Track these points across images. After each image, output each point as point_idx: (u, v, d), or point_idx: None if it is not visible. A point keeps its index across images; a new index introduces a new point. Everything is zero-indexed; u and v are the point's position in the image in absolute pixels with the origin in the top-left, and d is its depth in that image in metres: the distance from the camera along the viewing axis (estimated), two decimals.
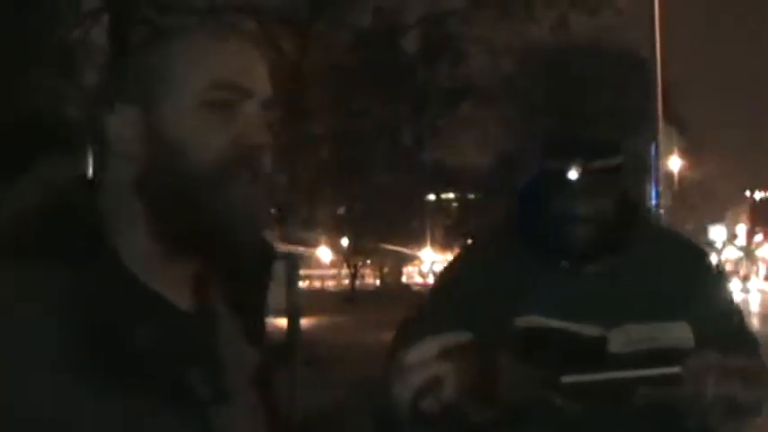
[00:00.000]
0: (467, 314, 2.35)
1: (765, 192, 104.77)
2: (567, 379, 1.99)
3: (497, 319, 2.24)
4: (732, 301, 2.40)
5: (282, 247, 13.38)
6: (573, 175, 2.18)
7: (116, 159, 1.19)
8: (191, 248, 1.20)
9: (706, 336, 2.20)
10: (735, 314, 2.37)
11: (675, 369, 2.01)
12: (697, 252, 2.46)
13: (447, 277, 2.53)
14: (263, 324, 1.34)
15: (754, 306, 39.93)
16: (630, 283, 2.26)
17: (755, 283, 62.23)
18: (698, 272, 2.36)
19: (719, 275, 2.40)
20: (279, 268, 14.39)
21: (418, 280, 64.05)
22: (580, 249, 2.27)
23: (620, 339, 2.03)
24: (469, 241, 2.74)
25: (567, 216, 2.24)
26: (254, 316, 1.30)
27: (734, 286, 58.32)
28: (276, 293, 14.15)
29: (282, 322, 14.45)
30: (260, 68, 1.26)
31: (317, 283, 65.36)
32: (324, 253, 51.70)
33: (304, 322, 18.16)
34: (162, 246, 1.18)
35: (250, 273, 1.25)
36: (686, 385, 2.05)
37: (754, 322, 28.59)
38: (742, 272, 68.23)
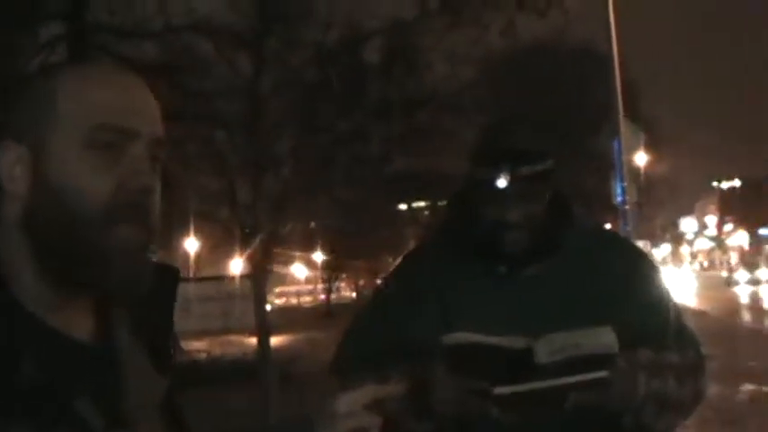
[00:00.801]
0: (404, 327, 2.36)
1: (732, 181, 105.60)
2: (499, 390, 2.02)
3: (434, 330, 2.25)
4: (667, 296, 2.42)
5: (251, 267, 13.35)
6: (501, 183, 2.20)
7: (6, 198, 1.18)
8: (80, 287, 1.19)
9: (641, 331, 2.22)
10: (670, 309, 2.39)
11: (602, 374, 2.04)
12: (630, 250, 2.48)
13: (384, 290, 2.54)
14: (170, 349, 1.32)
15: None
16: (566, 284, 2.28)
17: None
18: (631, 269, 2.38)
19: (653, 272, 2.42)
20: (247, 287, 14.39)
21: None
22: (513, 254, 2.28)
23: (546, 349, 2.04)
24: (407, 252, 2.75)
25: (498, 223, 2.25)
26: (160, 341, 1.28)
27: (741, 276, 59.32)
28: (249, 312, 14.11)
29: (252, 341, 14.44)
30: (148, 107, 1.24)
31: (294, 300, 65.25)
32: (298, 269, 51.59)
33: (282, 339, 18.14)
34: (53, 284, 1.16)
35: (152, 300, 1.24)
36: (616, 386, 2.07)
37: None
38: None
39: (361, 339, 2.48)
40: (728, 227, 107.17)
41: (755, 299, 44.52)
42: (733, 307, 36.99)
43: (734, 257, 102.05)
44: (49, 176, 1.17)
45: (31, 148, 1.18)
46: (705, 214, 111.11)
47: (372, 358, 2.34)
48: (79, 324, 1.18)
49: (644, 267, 2.44)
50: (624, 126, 16.19)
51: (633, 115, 18.75)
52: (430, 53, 13.38)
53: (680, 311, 2.43)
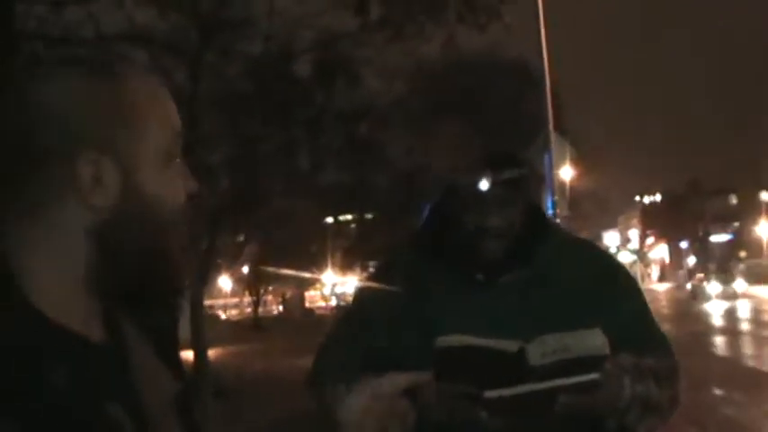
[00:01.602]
0: (384, 338, 2.35)
1: (654, 196, 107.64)
2: (489, 394, 2.02)
3: (415, 339, 2.26)
4: (642, 302, 2.47)
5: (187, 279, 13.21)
6: (483, 185, 2.22)
7: (73, 206, 1.15)
8: (123, 294, 1.19)
9: (619, 338, 2.26)
10: (645, 315, 2.44)
11: (594, 376, 2.06)
12: (605, 258, 2.53)
13: (360, 300, 2.53)
14: (177, 349, 1.34)
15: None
16: (544, 291, 2.31)
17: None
18: (608, 277, 2.42)
19: (628, 282, 2.46)
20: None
21: (321, 303, 63.99)
22: (492, 261, 2.30)
23: (538, 351, 2.05)
24: (378, 262, 2.74)
25: (478, 229, 2.27)
26: (169, 343, 1.29)
27: (712, 288, 52.74)
28: (181, 326, 13.95)
29: (188, 354, 14.27)
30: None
31: (220, 313, 64.71)
32: (224, 282, 51.23)
33: (211, 353, 18.00)
34: (94, 293, 1.16)
35: (163, 301, 1.26)
36: (605, 389, 2.10)
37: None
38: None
39: (337, 352, 2.46)
40: (650, 240, 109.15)
41: (740, 319, 34.43)
42: (714, 334, 27.80)
43: (655, 270, 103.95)
44: (141, 188, 1.16)
45: (118, 158, 1.15)
46: (628, 228, 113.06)
47: (350, 370, 2.31)
48: (92, 327, 1.17)
49: (619, 277, 2.47)
50: (553, 140, 16.41)
51: (560, 129, 19.03)
52: (364, 67, 13.44)
53: (653, 318, 2.48)
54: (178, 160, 1.22)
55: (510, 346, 2.07)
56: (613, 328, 2.25)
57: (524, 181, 2.29)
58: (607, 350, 2.09)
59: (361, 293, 2.59)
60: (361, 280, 2.70)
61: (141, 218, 1.16)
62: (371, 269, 2.64)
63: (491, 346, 2.07)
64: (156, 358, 1.25)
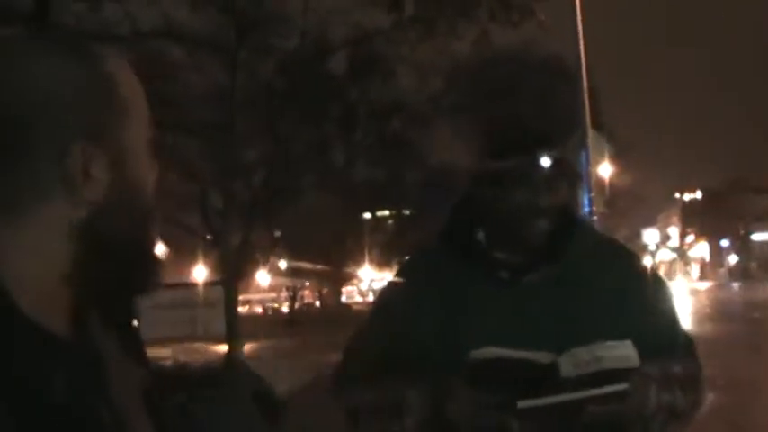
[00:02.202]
0: (408, 337, 2.36)
1: (694, 193, 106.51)
2: (522, 404, 2.04)
3: (439, 338, 2.27)
4: (671, 305, 2.44)
5: (222, 273, 13.30)
6: (546, 162, 2.16)
7: (60, 200, 1.06)
8: (101, 288, 1.13)
9: (647, 343, 2.25)
10: (674, 320, 2.41)
11: (622, 386, 2.07)
12: (635, 260, 2.48)
13: (385, 300, 2.53)
14: (138, 337, 1.26)
15: None
16: (569, 292, 2.28)
17: None
18: (637, 280, 2.38)
19: (658, 283, 2.43)
20: (212, 294, 14.31)
21: (358, 299, 63.99)
22: (524, 262, 2.27)
23: (569, 363, 2.05)
24: (403, 261, 2.73)
25: (529, 209, 2.21)
26: (133, 337, 1.24)
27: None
28: (214, 319, 14.03)
29: (221, 348, 14.34)
30: None
31: (257, 308, 64.91)
32: (262, 277, 51.40)
33: (246, 347, 18.06)
34: (68, 285, 1.10)
35: (135, 296, 1.22)
36: (633, 398, 2.11)
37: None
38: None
39: (364, 351, 2.47)
40: (690, 238, 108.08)
41: None
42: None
43: (695, 269, 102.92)
44: (128, 178, 1.10)
45: (105, 147, 1.08)
46: (668, 226, 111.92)
47: (377, 370, 2.34)
48: (60, 323, 1.09)
49: (648, 280, 2.43)
50: (591, 137, 16.29)
51: (597, 126, 18.89)
52: (398, 64, 13.44)
53: (680, 322, 2.45)
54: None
55: (542, 357, 2.08)
56: (641, 333, 2.24)
57: (564, 163, 2.24)
58: (637, 362, 2.09)
59: (385, 292, 2.59)
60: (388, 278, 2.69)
61: (129, 210, 1.10)
62: (397, 268, 2.64)
63: (524, 357, 2.08)
64: (122, 352, 1.19)
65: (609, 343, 2.10)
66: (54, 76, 1.07)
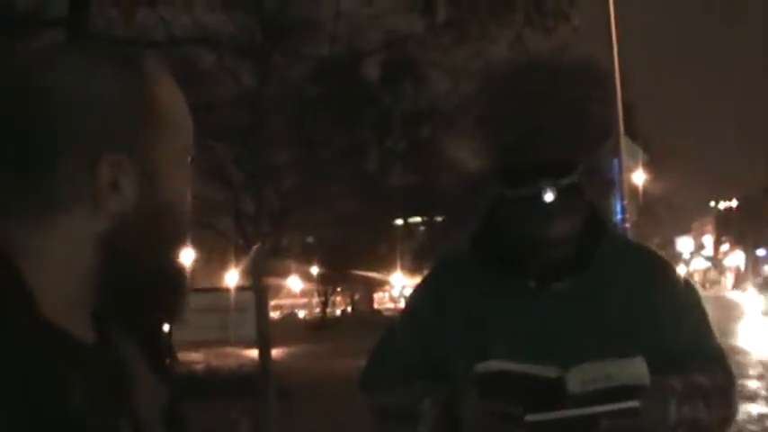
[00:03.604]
0: (434, 342, 2.35)
1: (729, 201, 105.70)
2: (530, 418, 2.02)
3: (465, 345, 2.25)
4: (700, 313, 2.38)
5: (252, 278, 13.35)
6: (548, 197, 2.15)
7: (86, 210, 1.06)
8: (128, 300, 1.12)
9: (673, 353, 2.21)
10: (702, 329, 2.35)
11: (634, 403, 2.04)
12: (664, 267, 2.43)
13: (413, 304, 2.52)
14: (171, 356, 1.24)
15: None
16: (597, 301, 2.25)
17: None
18: (665, 287, 2.33)
19: (687, 290, 2.38)
20: (243, 299, 14.42)
21: (389, 305, 64.10)
22: (551, 270, 2.25)
23: (577, 379, 2.03)
24: (432, 266, 2.72)
25: (541, 239, 2.21)
26: (156, 349, 1.23)
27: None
28: (245, 324, 14.10)
29: (252, 353, 14.41)
30: None
31: (289, 313, 65.16)
32: (294, 282, 51.56)
33: (277, 352, 18.14)
34: (93, 295, 1.09)
35: (162, 310, 1.20)
36: (647, 415, 2.07)
37: None
38: None
39: (389, 354, 2.48)
40: (725, 247, 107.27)
41: None
42: None
43: (730, 278, 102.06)
44: (159, 192, 1.09)
45: (140, 161, 1.07)
46: (702, 234, 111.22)
47: (401, 374, 2.34)
48: (86, 332, 1.10)
49: (677, 287, 2.39)
50: (624, 144, 16.21)
51: (631, 133, 18.79)
52: (431, 69, 13.43)
53: (710, 332, 2.39)
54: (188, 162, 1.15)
55: (549, 372, 2.06)
56: (667, 343, 2.20)
57: (583, 186, 2.23)
58: (647, 380, 2.06)
59: (413, 297, 2.59)
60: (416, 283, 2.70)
61: (155, 225, 1.09)
62: (426, 273, 2.63)
63: (531, 371, 2.06)
64: (146, 365, 1.19)
65: (620, 360, 2.07)
66: (87, 87, 1.06)
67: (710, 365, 2.30)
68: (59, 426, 0.99)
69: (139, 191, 1.07)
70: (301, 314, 64.81)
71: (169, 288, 1.12)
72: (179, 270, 1.12)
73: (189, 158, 1.14)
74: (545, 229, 2.19)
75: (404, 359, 2.38)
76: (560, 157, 2.22)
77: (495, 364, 2.08)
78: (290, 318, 60.72)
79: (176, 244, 1.12)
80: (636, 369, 2.07)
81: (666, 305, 2.30)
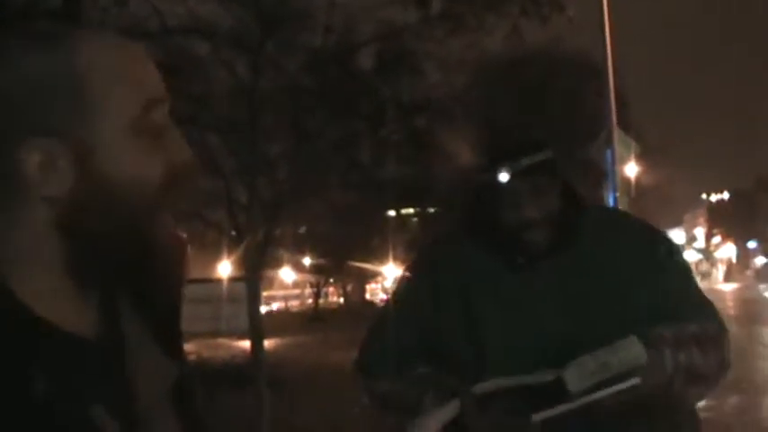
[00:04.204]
0: (427, 323, 2.39)
1: (721, 194, 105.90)
2: (536, 417, 2.03)
3: (457, 325, 2.29)
4: (684, 269, 2.44)
5: (245, 269, 13.33)
6: (503, 177, 2.22)
7: (28, 200, 1.05)
8: (112, 283, 1.11)
9: (662, 307, 2.25)
10: (688, 281, 2.41)
11: (634, 381, 2.05)
12: (644, 229, 2.49)
13: (404, 288, 2.56)
14: (178, 328, 1.24)
15: None
16: (585, 273, 2.31)
17: None
18: (647, 247, 2.39)
19: (669, 247, 2.43)
20: (236, 290, 14.40)
21: (382, 296, 64.20)
22: (535, 248, 2.31)
23: (576, 376, 2.04)
24: (421, 250, 2.78)
25: (518, 224, 2.28)
26: (168, 328, 1.22)
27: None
28: (238, 315, 14.09)
29: (245, 344, 14.41)
30: (155, 69, 1.12)
31: (281, 304, 65.18)
32: (286, 273, 51.57)
33: (269, 343, 18.14)
34: (77, 284, 1.08)
35: (160, 286, 1.18)
36: (648, 382, 2.09)
37: None
38: None
39: (385, 338, 2.51)
40: (716, 239, 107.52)
41: None
42: None
43: (721, 270, 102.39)
44: (102, 170, 1.05)
45: (68, 141, 1.03)
46: (694, 226, 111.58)
47: (399, 357, 2.37)
48: (81, 317, 1.09)
49: (658, 246, 2.45)
50: (616, 136, 16.21)
51: (624, 125, 18.80)
52: (425, 60, 13.41)
53: (696, 284, 2.45)
54: (164, 130, 1.10)
55: (546, 377, 2.07)
56: (656, 298, 2.24)
57: (551, 164, 2.29)
58: (644, 359, 2.08)
59: (405, 281, 2.62)
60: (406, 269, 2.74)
61: (108, 201, 1.05)
62: (414, 257, 2.68)
63: (527, 383, 2.07)
64: (155, 345, 1.16)
65: (614, 345, 2.08)
66: (11, 74, 1.03)
67: (700, 316, 2.35)
68: (20, 411, 0.97)
69: (78, 171, 1.04)
70: (294, 303, 64.81)
71: (155, 264, 1.09)
72: (160, 241, 1.09)
73: (150, 127, 1.09)
74: (515, 211, 2.27)
75: (400, 342, 2.41)
76: (521, 138, 2.28)
77: (492, 384, 2.10)
78: (283, 310, 60.69)
79: (142, 218, 1.07)
80: (631, 351, 2.08)
81: (650, 264, 2.35)
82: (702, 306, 2.41)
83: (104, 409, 1.04)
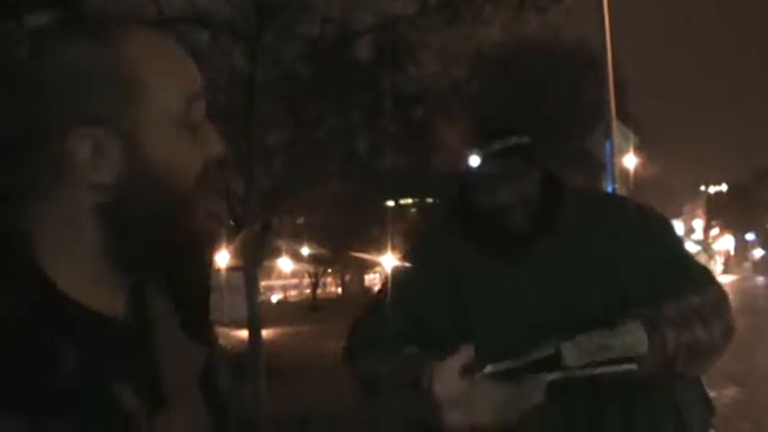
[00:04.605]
0: (417, 310, 2.41)
1: (719, 186, 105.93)
2: (550, 377, 2.04)
3: (448, 313, 2.31)
4: (674, 239, 2.43)
5: (243, 259, 13.34)
6: (474, 161, 2.25)
7: (73, 186, 1.08)
8: (147, 269, 1.15)
9: (658, 281, 2.24)
10: (680, 252, 2.40)
11: (631, 366, 2.06)
12: (627, 205, 2.48)
13: (394, 277, 2.58)
14: (207, 315, 1.27)
15: None
16: (571, 256, 2.31)
17: None
18: (633, 224, 2.38)
19: (656, 219, 2.43)
20: (234, 280, 14.42)
21: (380, 286, 64.19)
22: (517, 233, 2.33)
23: (574, 353, 2.05)
24: (412, 240, 2.82)
25: (494, 206, 2.30)
26: (198, 313, 1.25)
27: None
28: (237, 305, 14.11)
29: (244, 333, 14.41)
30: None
31: (280, 294, 65.24)
32: (285, 263, 51.58)
33: (267, 333, 18.17)
34: (110, 266, 1.11)
35: (191, 271, 1.22)
36: (646, 368, 2.09)
37: None
38: None
39: (376, 324, 2.52)
40: (715, 231, 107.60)
41: None
42: None
43: (719, 262, 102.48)
44: (148, 159, 1.08)
45: (116, 130, 1.07)
46: (692, 218, 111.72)
47: (384, 340, 2.39)
48: (112, 300, 1.13)
49: (644, 220, 2.44)
50: (615, 128, 16.19)
51: (623, 117, 18.78)
52: (423, 51, 13.40)
53: (688, 252, 2.45)
54: (201, 124, 1.14)
55: (546, 351, 2.08)
56: (650, 274, 2.24)
57: (525, 149, 2.30)
58: (645, 347, 2.08)
59: (395, 271, 2.65)
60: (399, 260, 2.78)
61: (152, 190, 1.09)
62: (411, 242, 2.72)
63: (528, 359, 2.08)
64: (183, 331, 1.20)
65: (616, 330, 2.08)
66: (62, 65, 1.07)
67: (699, 285, 2.33)
68: (49, 385, 1.00)
69: (124, 158, 1.07)
70: (293, 293, 64.90)
71: (188, 251, 1.14)
72: (195, 231, 1.13)
73: (191, 120, 1.13)
74: (489, 196, 2.30)
75: (388, 328, 2.43)
76: (495, 124, 2.33)
77: (500, 365, 2.09)
78: (282, 300, 60.75)
79: (181, 206, 1.11)
80: (633, 336, 2.08)
81: (639, 240, 2.34)
82: (700, 274, 2.39)
83: (129, 388, 1.08)
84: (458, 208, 2.49)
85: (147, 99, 1.09)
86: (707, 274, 2.39)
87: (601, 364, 2.05)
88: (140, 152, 1.08)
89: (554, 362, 2.06)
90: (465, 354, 2.00)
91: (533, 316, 2.22)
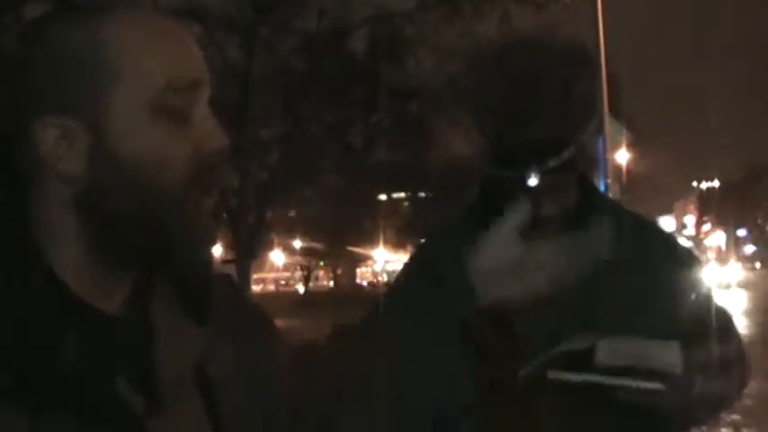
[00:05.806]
0: (430, 312, 2.35)
1: (711, 182, 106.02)
2: (552, 375, 2.00)
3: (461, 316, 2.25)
4: (707, 284, 2.37)
5: (235, 252, 13.33)
6: (532, 181, 2.10)
7: (48, 177, 1.04)
8: (138, 262, 1.11)
9: (686, 325, 2.20)
10: (710, 298, 2.34)
11: (658, 386, 2.00)
12: (665, 244, 2.39)
13: (405, 275, 2.51)
14: (208, 294, 1.21)
15: None
16: (601, 270, 2.23)
17: None
18: (670, 258, 2.30)
19: (692, 259, 2.36)
20: (230, 273, 14.42)
21: (371, 280, 64.19)
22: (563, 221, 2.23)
23: (607, 351, 2.00)
24: (423, 240, 2.70)
25: (532, 220, 2.18)
26: (198, 304, 1.20)
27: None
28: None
29: None
30: (201, 55, 1.09)
31: (272, 286, 65.17)
32: (277, 256, 51.54)
33: None
34: (104, 262, 1.08)
35: (187, 264, 1.17)
36: (669, 398, 2.05)
37: None
38: None
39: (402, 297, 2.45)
40: (707, 227, 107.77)
41: None
42: None
43: (711, 257, 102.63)
44: (116, 150, 1.02)
45: (84, 119, 1.02)
46: (684, 214, 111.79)
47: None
48: (113, 294, 1.09)
49: (682, 258, 2.37)
50: (608, 123, 16.18)
51: (615, 112, 18.76)
52: (419, 46, 13.39)
53: (714, 297, 2.38)
54: (192, 114, 1.07)
55: (582, 343, 2.04)
56: (678, 316, 2.18)
57: (573, 162, 2.20)
58: (680, 369, 2.03)
59: (405, 269, 2.57)
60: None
61: (125, 181, 1.03)
62: (417, 247, 2.61)
63: (560, 349, 2.03)
64: (183, 324, 1.16)
65: (657, 342, 2.04)
66: (32, 54, 1.04)
67: (723, 332, 2.28)
68: (49, 378, 0.99)
69: (93, 149, 1.02)
70: (273, 288, 64.80)
71: (183, 246, 1.08)
72: (186, 228, 1.07)
73: (173, 109, 1.05)
74: (535, 209, 2.15)
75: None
76: (547, 137, 2.20)
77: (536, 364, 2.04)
78: (272, 292, 60.69)
79: (170, 203, 1.05)
80: (669, 354, 2.03)
81: (672, 276, 2.26)
82: (724, 321, 2.34)
83: (129, 384, 1.06)
84: (479, 214, 2.35)
85: (119, 85, 1.02)
86: (730, 324, 2.34)
87: (630, 372, 2.00)
88: (109, 141, 1.02)
89: (585, 358, 2.01)
90: (523, 211, 1.78)
91: (554, 329, 2.14)
